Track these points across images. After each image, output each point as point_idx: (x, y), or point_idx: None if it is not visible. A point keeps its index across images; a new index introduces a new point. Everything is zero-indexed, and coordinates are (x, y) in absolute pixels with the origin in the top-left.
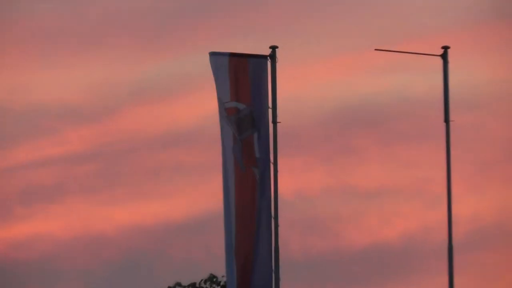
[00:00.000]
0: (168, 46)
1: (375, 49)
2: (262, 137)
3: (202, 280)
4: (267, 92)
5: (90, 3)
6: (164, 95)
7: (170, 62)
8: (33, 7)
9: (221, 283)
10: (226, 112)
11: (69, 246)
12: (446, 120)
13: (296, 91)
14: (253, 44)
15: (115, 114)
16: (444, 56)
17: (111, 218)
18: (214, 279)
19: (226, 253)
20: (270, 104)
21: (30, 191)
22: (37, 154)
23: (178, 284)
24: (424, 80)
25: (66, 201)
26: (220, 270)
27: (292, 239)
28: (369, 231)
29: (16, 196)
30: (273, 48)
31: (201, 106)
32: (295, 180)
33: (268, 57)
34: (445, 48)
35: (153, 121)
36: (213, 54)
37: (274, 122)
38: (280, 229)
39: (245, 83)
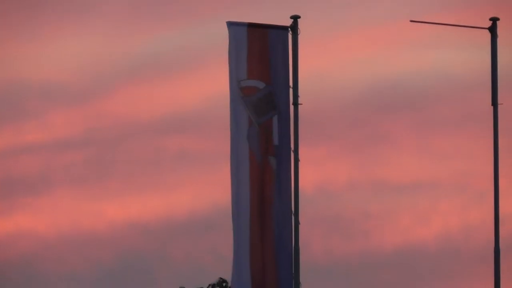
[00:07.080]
0: (170, 15)
1: (411, 21)
2: (282, 121)
3: (210, 285)
4: (288, 69)
5: None
6: (165, 72)
7: (173, 34)
8: None
9: None
10: (241, 92)
11: (55, 246)
12: (494, 103)
13: (319, 68)
14: (271, 13)
15: (108, 94)
16: (492, 29)
17: (103, 214)
18: (224, 284)
19: (236, 256)
20: (290, 83)
21: (11, 182)
22: (17, 140)
23: None
24: (468, 57)
25: (52, 194)
26: (229, 273)
27: (313, 240)
28: (402, 231)
29: None
30: (295, 18)
31: (209, 85)
32: (317, 172)
33: (289, 29)
34: (494, 20)
35: (152, 102)
36: (232, 24)
37: (295, 103)
38: (300, 228)
39: (265, 58)
